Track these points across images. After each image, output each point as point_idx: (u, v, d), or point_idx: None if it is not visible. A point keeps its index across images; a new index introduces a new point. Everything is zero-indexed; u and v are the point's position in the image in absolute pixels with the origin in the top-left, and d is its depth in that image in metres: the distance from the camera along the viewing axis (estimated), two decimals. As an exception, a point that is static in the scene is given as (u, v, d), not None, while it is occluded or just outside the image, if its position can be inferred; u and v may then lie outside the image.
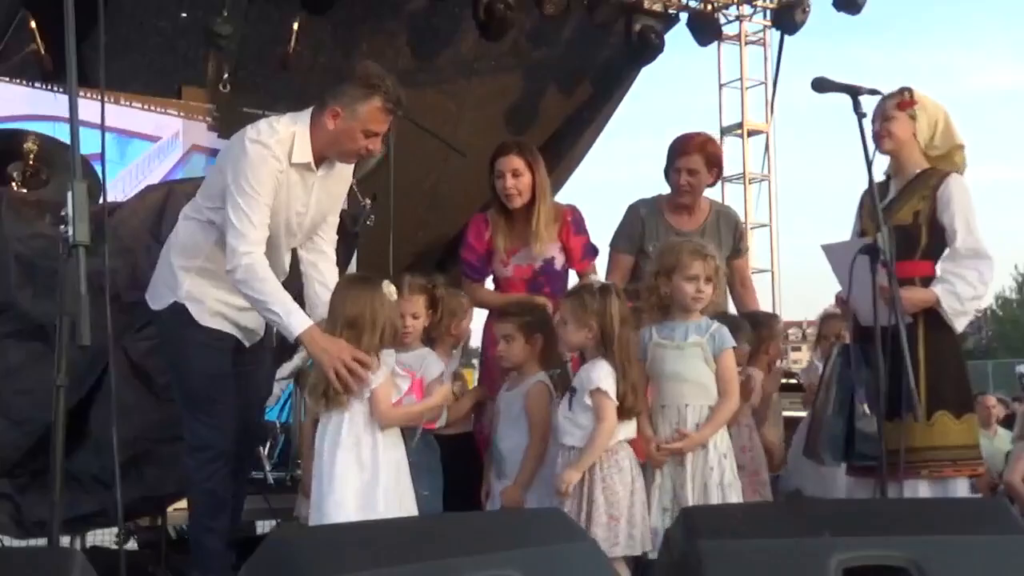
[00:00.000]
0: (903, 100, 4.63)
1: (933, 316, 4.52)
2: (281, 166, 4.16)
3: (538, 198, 4.96)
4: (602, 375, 4.12)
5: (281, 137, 4.17)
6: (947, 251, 4.58)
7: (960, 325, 4.58)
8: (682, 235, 5.09)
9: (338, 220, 4.64)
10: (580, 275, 5.10)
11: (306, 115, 4.25)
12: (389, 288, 4.09)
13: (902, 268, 4.40)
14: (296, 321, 4.02)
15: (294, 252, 4.53)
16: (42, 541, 4.39)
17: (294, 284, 4.59)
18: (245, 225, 4.07)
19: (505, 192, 4.94)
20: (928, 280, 4.56)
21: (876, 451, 4.27)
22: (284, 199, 4.23)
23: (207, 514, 4.26)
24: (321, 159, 4.29)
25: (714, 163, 5.36)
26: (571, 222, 5.06)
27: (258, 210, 4.09)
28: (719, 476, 4.21)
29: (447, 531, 2.71)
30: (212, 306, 4.25)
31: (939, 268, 4.58)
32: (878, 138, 4.65)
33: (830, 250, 4.64)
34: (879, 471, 4.17)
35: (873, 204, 4.24)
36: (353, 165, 4.55)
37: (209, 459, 4.21)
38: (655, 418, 4.27)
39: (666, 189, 5.42)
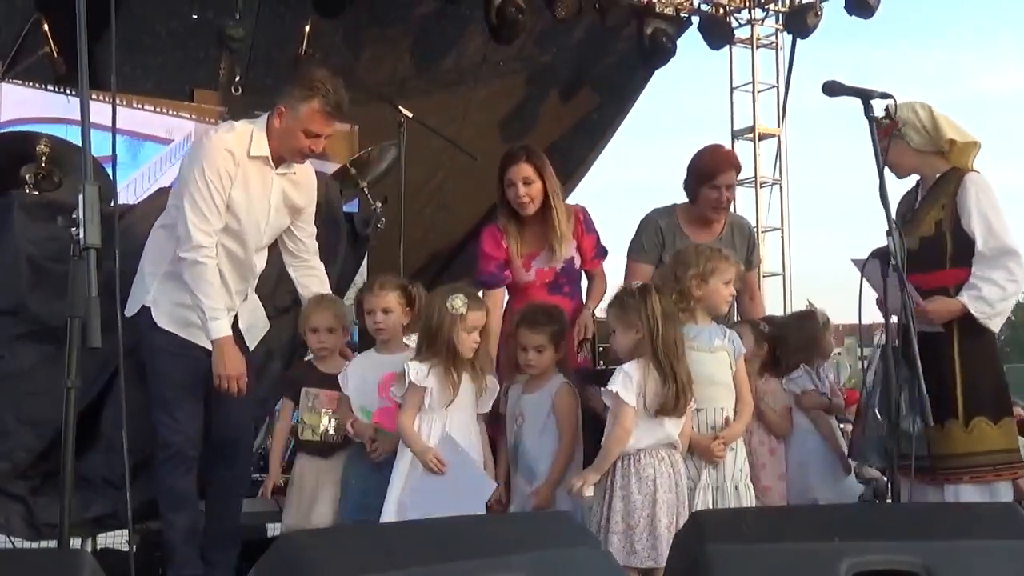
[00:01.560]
0: (884, 128, 4.47)
1: (967, 322, 4.51)
2: (234, 159, 4.35)
3: (553, 201, 4.97)
4: (619, 378, 4.11)
5: (237, 133, 4.41)
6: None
7: (996, 326, 4.58)
8: None
9: (315, 230, 4.82)
10: (589, 274, 5.13)
11: (264, 117, 4.49)
12: (453, 301, 4.21)
13: (934, 278, 4.50)
14: (216, 327, 4.29)
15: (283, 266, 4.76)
16: (53, 543, 4.41)
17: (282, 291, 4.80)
18: (196, 215, 4.28)
19: (518, 201, 4.95)
20: (962, 287, 4.54)
21: (916, 451, 4.28)
22: (245, 194, 4.41)
23: (168, 510, 4.45)
24: (278, 158, 4.48)
25: (738, 172, 5.44)
26: (583, 221, 5.10)
27: (209, 200, 4.30)
28: (746, 477, 4.36)
29: (456, 534, 2.71)
30: (170, 311, 4.41)
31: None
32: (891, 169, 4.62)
33: (860, 263, 4.62)
34: (889, 474, 4.18)
35: (885, 208, 4.20)
36: (313, 177, 4.76)
37: (168, 457, 4.40)
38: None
39: (676, 197, 5.41)
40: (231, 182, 4.35)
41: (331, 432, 4.67)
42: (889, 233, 4.16)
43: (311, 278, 4.83)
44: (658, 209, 5.46)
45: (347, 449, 4.59)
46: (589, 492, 4.12)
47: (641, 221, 5.41)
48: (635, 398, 4.08)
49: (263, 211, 4.50)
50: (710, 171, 5.27)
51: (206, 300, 4.27)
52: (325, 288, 4.86)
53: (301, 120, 4.38)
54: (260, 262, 4.64)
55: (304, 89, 4.40)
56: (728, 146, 12.55)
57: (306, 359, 5.07)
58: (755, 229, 12.31)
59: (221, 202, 4.32)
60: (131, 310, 4.45)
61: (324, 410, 4.70)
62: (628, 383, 4.09)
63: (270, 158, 4.45)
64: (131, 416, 3.58)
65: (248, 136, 4.41)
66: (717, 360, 4.38)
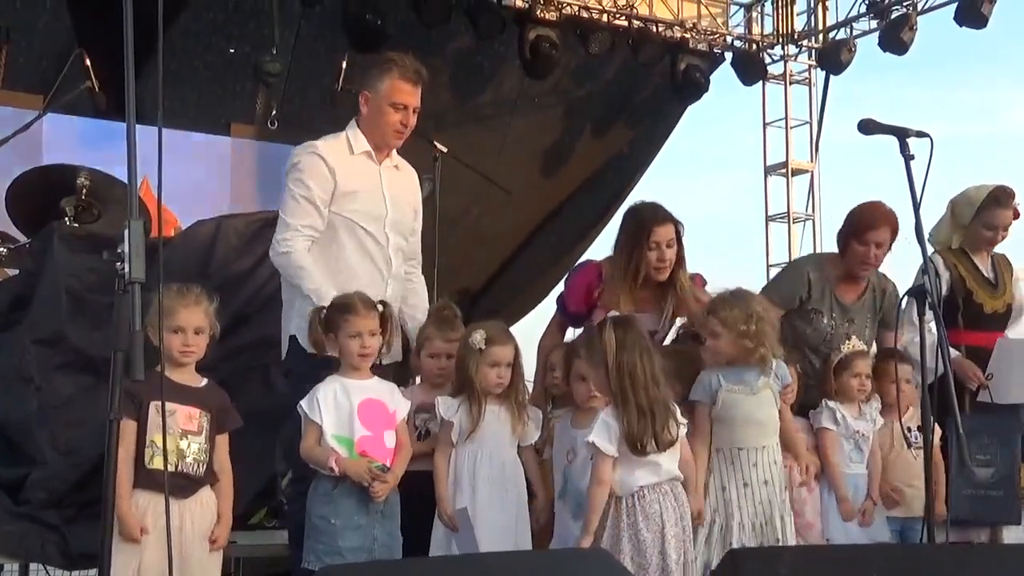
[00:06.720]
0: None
1: None
2: (328, 160, 4.38)
3: (680, 266, 4.84)
4: (598, 427, 4.02)
5: (327, 140, 4.48)
6: None
7: None
8: (844, 306, 5.23)
9: (419, 241, 4.79)
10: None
11: (352, 121, 4.57)
12: (473, 336, 4.22)
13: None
14: (320, 298, 4.18)
15: None
16: (85, 572, 4.43)
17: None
18: (282, 218, 4.34)
19: (660, 265, 4.75)
20: None
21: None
22: (349, 183, 4.41)
23: (298, 545, 4.15)
24: (377, 148, 4.52)
25: (896, 235, 5.27)
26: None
27: (298, 206, 4.33)
28: (788, 507, 4.45)
29: (497, 571, 2.71)
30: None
31: None
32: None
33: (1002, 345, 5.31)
34: (925, 515, 4.15)
35: (921, 246, 4.18)
36: (415, 177, 4.79)
37: (305, 489, 4.14)
38: (728, 462, 4.38)
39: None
40: (329, 178, 4.36)
41: (190, 461, 3.89)
42: (924, 271, 4.15)
43: (409, 291, 4.70)
44: (808, 257, 5.40)
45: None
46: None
47: (790, 265, 5.29)
48: (615, 447, 3.98)
49: (379, 204, 4.48)
50: (863, 225, 5.20)
51: (305, 283, 4.24)
52: (424, 304, 4.73)
53: (384, 94, 4.47)
54: (396, 261, 4.54)
55: (379, 66, 4.52)
56: (761, 182, 12.64)
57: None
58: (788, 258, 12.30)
59: (312, 203, 4.33)
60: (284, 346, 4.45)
61: (181, 431, 3.88)
62: (606, 431, 3.98)
63: (372, 152, 4.50)
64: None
65: (343, 139, 4.50)
66: (760, 400, 4.43)
